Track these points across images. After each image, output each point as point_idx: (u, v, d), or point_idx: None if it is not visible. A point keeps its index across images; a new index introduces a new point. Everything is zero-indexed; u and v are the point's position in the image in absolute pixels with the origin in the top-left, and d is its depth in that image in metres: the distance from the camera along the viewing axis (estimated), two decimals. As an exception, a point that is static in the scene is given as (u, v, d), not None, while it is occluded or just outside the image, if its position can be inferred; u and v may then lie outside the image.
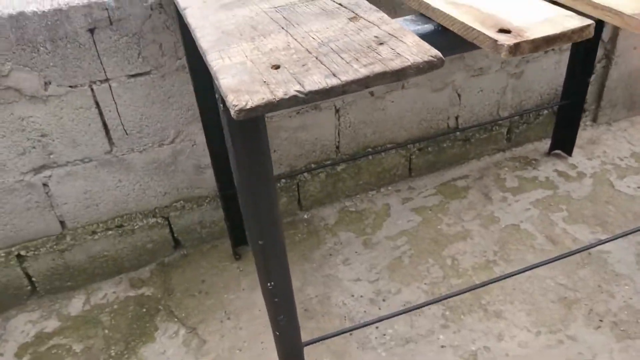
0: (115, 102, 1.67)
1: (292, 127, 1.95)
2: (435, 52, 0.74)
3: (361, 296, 1.75)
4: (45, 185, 1.72)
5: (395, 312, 1.35)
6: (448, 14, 0.88)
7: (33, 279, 1.86)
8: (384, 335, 1.61)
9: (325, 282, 1.82)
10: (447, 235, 1.96)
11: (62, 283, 1.90)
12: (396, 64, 0.72)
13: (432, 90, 2.09)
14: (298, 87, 0.69)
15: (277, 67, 0.75)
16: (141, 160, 1.80)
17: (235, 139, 0.85)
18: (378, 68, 0.71)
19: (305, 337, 1.35)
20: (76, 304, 1.88)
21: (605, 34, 2.27)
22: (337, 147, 2.08)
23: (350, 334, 1.62)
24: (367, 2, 0.93)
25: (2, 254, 1.78)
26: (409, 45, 0.76)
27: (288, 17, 0.91)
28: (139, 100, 1.70)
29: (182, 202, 1.94)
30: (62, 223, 1.82)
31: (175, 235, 1.99)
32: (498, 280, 1.59)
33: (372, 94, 1.99)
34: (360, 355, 1.55)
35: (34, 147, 1.65)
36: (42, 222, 1.78)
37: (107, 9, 1.50)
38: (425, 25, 0.92)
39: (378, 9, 0.90)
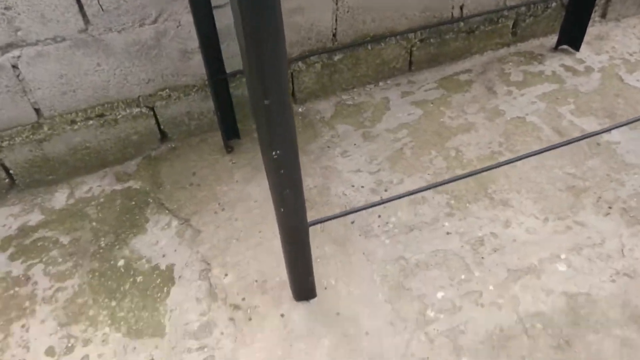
0: (89, -31, 1.48)
1: (287, 8, 1.78)
2: None
3: (362, 187, 1.67)
4: (14, 67, 1.56)
5: (399, 194, 1.27)
6: None
7: (11, 171, 1.73)
8: (387, 223, 1.55)
9: (324, 173, 1.74)
10: (450, 128, 1.87)
11: (43, 176, 1.78)
12: None
13: (438, -28, 1.92)
14: None
15: None
16: (121, 42, 1.64)
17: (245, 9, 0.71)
18: None
19: (307, 218, 1.27)
20: (59, 198, 1.77)
21: None
22: (334, 35, 1.93)
23: (352, 222, 1.55)
24: None
25: (-26, 144, 1.64)
26: None
27: None
28: (116, -32, 1.51)
29: (167, 90, 1.80)
30: (37, 110, 1.67)
31: (162, 127, 1.86)
32: (506, 164, 1.51)
33: (374, -28, 1.82)
34: (363, 243, 1.49)
35: (-1, 20, 1.46)
36: (15, 109, 1.63)
37: None
38: None
39: None
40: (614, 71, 2.08)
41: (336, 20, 1.89)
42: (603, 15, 2.38)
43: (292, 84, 1.96)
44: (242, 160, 1.81)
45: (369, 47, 1.99)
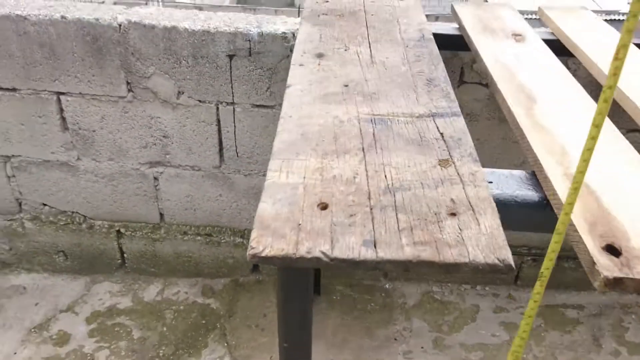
0: (234, 125, 1.71)
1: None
2: (506, 254, 0.60)
3: (407, 401, 1.60)
4: (155, 179, 1.83)
5: None
6: (557, 191, 0.72)
7: (125, 255, 2.00)
8: None
9: (377, 368, 1.70)
10: (530, 370, 1.71)
11: (147, 267, 2.02)
12: (450, 255, 0.59)
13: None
14: (326, 249, 0.60)
15: (324, 207, 0.67)
16: (244, 183, 1.84)
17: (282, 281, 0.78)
18: (427, 254, 0.60)
19: None
20: (152, 291, 1.98)
21: None
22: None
23: None
24: (470, 144, 0.80)
25: (106, 225, 1.94)
26: (480, 231, 0.63)
27: (378, 134, 0.82)
28: (256, 129, 1.72)
29: (270, 232, 1.95)
30: (161, 215, 1.93)
31: (256, 260, 2.00)
32: None
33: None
34: None
35: (154, 144, 1.75)
36: (145, 209, 1.91)
37: (249, 41, 1.53)
38: (529, 193, 0.77)
39: (477, 159, 0.76)
40: None
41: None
42: None
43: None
44: (319, 312, 1.86)
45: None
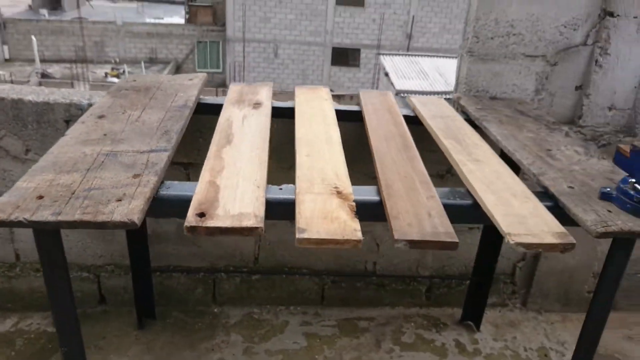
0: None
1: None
2: (138, 217, 1.06)
3: (208, 394, 1.96)
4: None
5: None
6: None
7: (-17, 292, 2.30)
8: None
9: (190, 371, 2.06)
10: (317, 366, 2.13)
11: (4, 303, 2.32)
12: (103, 217, 1.05)
13: (351, 234, 2.34)
14: (27, 216, 1.04)
15: (40, 197, 1.11)
16: (89, 224, 2.23)
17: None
18: (87, 217, 1.05)
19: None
20: (7, 323, 2.27)
21: (535, 227, 2.40)
22: (256, 258, 2.37)
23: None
24: (160, 166, 1.28)
25: (-34, 266, 2.25)
26: (129, 208, 1.09)
27: (105, 162, 1.29)
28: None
29: (113, 266, 2.32)
30: (17, 255, 2.27)
31: (102, 292, 2.36)
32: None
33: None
34: None
35: (8, 193, 2.13)
36: (2, 250, 2.24)
37: (81, 109, 1.99)
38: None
39: (158, 174, 1.24)
40: (497, 362, 2.23)
41: (258, 248, 2.35)
42: (524, 304, 2.57)
43: (214, 287, 2.39)
44: (144, 338, 2.21)
45: (284, 276, 2.39)
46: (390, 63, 14.32)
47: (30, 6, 24.40)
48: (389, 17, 20.32)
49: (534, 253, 2.46)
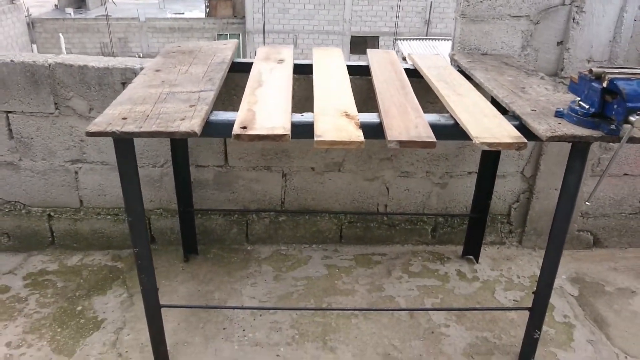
0: (130, 131, 2.53)
1: (248, 177, 2.67)
2: (197, 125, 1.44)
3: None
4: (76, 172, 2.61)
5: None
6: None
7: (54, 233, 2.73)
8: (245, 336, 2.19)
9: (230, 292, 2.46)
10: (336, 289, 2.50)
11: (71, 243, 2.75)
12: (173, 128, 1.43)
13: (364, 179, 2.70)
14: (117, 129, 1.42)
15: (124, 118, 1.50)
16: (140, 174, 2.63)
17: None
18: (159, 128, 1.43)
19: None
20: (74, 259, 2.70)
21: (527, 171, 2.73)
22: (282, 202, 2.75)
23: (224, 328, 2.22)
24: (209, 100, 1.66)
25: (39, 211, 2.68)
26: (198, 120, 1.47)
27: (166, 97, 1.67)
28: (145, 133, 2.54)
29: (161, 210, 2.73)
30: (81, 201, 2.69)
31: (152, 232, 2.76)
32: (334, 310, 2.11)
33: (312, 169, 2.66)
34: (220, 342, 2.15)
35: (74, 147, 2.55)
36: (69, 197, 2.66)
37: (135, 73, 2.39)
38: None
39: (208, 104, 1.62)
40: (493, 286, 2.57)
41: (284, 192, 2.72)
42: (520, 242, 2.90)
43: (247, 228, 2.78)
44: (189, 269, 2.61)
45: (307, 217, 2.76)
46: (408, 48, 14.54)
47: (56, 5, 25.20)
48: (407, 4, 20.49)
49: (526, 195, 2.78)
